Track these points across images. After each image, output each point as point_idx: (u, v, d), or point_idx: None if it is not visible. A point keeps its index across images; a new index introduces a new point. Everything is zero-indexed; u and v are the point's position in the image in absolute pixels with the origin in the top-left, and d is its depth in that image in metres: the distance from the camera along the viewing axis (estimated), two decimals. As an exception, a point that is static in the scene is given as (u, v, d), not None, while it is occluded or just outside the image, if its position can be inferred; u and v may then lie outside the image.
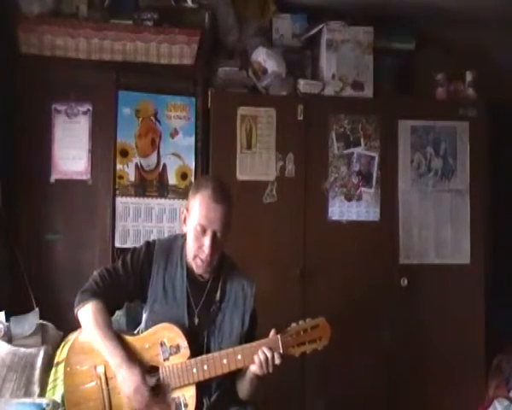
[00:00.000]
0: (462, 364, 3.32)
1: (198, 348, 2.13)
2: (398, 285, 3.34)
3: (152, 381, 2.07)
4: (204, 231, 2.13)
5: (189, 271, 2.21)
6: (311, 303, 3.19)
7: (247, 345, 2.09)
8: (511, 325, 3.42)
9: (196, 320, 2.17)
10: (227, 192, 2.20)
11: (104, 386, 2.11)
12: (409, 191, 3.42)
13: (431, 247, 3.41)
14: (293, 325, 2.09)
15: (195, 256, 2.16)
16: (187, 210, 2.21)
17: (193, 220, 2.15)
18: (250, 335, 2.21)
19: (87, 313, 2.12)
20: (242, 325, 2.21)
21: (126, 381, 2.06)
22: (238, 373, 2.15)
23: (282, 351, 2.06)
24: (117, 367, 2.07)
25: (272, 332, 2.10)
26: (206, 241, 2.13)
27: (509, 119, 3.91)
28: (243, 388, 2.18)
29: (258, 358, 2.05)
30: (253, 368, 2.07)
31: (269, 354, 2.05)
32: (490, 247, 3.57)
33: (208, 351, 2.14)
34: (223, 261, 2.25)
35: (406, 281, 3.35)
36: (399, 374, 3.29)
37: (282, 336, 2.08)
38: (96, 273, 2.20)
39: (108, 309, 2.15)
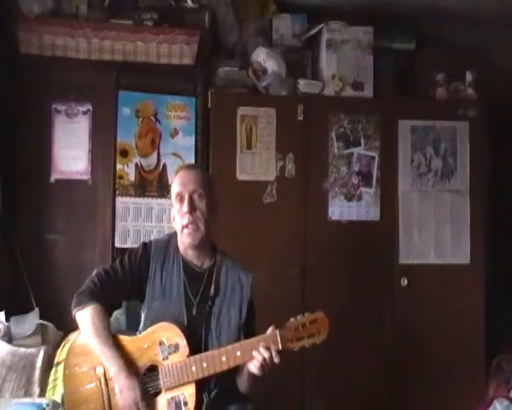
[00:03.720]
0: (462, 364, 3.32)
1: (197, 340, 2.13)
2: (398, 285, 3.34)
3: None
4: (182, 198, 2.20)
5: (186, 264, 2.23)
6: (310, 303, 3.17)
7: (246, 341, 2.09)
8: (511, 325, 3.42)
9: (194, 312, 2.18)
10: (201, 167, 2.35)
11: (104, 387, 2.10)
12: (409, 191, 3.41)
13: (431, 247, 3.41)
14: (292, 319, 2.09)
15: (182, 228, 2.20)
16: (172, 205, 2.27)
17: (173, 198, 2.24)
18: (249, 325, 2.22)
19: (85, 317, 2.11)
20: (240, 316, 2.21)
21: (124, 393, 2.05)
22: (237, 369, 2.14)
23: (280, 346, 2.06)
24: (115, 377, 2.07)
25: (271, 328, 2.09)
26: (185, 203, 2.19)
27: (509, 119, 3.91)
28: (243, 382, 2.18)
29: (256, 359, 2.04)
30: (252, 369, 2.06)
31: (267, 355, 2.04)
32: (490, 247, 3.57)
33: (207, 343, 2.14)
34: (215, 250, 2.28)
35: (406, 281, 3.35)
36: (399, 374, 3.29)
37: (281, 331, 2.07)
38: (93, 273, 2.21)
39: (106, 310, 2.15)
